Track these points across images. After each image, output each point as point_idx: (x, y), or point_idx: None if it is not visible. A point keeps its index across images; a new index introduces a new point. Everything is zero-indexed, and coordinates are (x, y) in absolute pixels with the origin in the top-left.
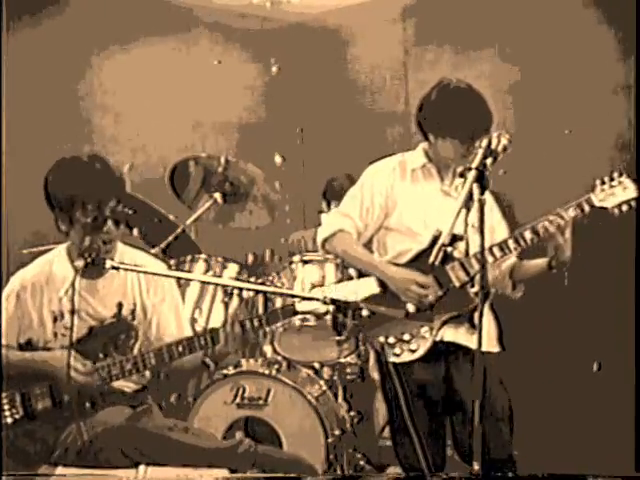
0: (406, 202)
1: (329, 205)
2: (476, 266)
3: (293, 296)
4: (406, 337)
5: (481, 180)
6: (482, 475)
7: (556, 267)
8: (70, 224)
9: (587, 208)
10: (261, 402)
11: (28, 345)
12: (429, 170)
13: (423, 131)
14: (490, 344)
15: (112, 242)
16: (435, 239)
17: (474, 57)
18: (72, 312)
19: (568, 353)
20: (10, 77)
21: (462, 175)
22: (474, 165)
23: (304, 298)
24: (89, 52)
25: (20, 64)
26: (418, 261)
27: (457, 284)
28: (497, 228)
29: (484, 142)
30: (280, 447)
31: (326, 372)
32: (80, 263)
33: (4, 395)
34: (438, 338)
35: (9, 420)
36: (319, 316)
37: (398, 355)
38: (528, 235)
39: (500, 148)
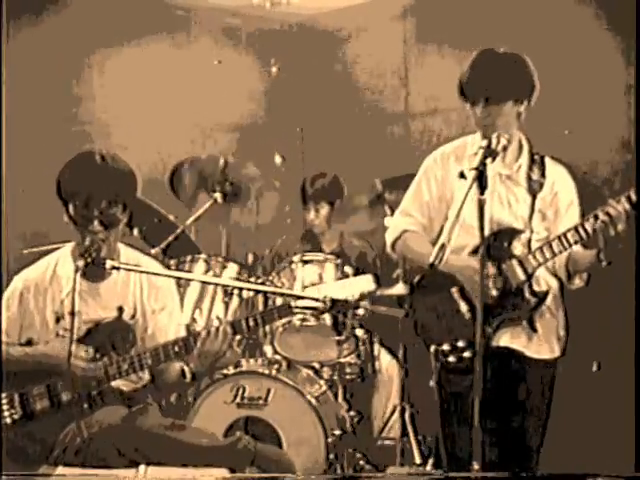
0: (461, 192)
1: (306, 204)
2: (535, 264)
3: (293, 296)
4: (460, 344)
5: (481, 180)
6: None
7: (605, 259)
8: (69, 219)
9: None
10: (261, 402)
11: (29, 345)
12: None
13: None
14: (544, 350)
15: (112, 242)
16: (495, 234)
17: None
18: (72, 313)
19: (567, 352)
20: (10, 77)
21: (462, 175)
22: (474, 165)
23: (304, 298)
24: (89, 52)
25: (20, 64)
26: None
27: (514, 284)
28: (570, 209)
29: (484, 142)
30: (280, 447)
31: (326, 372)
32: (80, 263)
33: (3, 396)
34: (493, 344)
35: (8, 420)
36: (316, 313)
37: (451, 362)
38: (590, 227)
39: (500, 148)
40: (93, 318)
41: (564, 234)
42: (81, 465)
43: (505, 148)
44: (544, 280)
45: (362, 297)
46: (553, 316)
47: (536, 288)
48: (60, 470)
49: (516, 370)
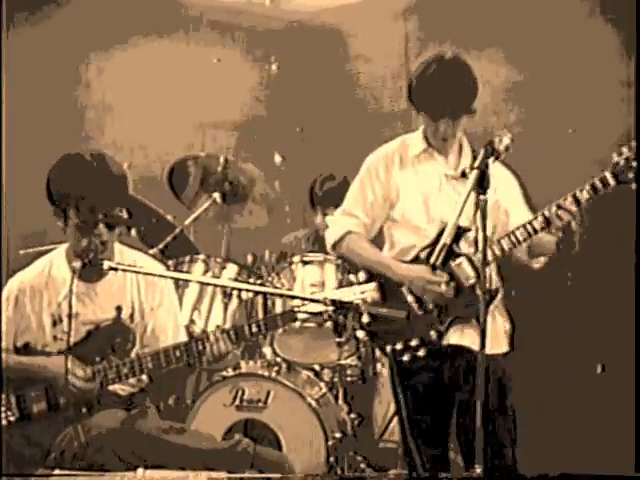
0: (408, 193)
1: (314, 207)
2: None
3: (293, 297)
4: (413, 343)
5: (482, 180)
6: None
7: (563, 251)
8: (65, 222)
9: (601, 187)
10: (261, 404)
11: (25, 348)
12: (431, 154)
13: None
14: (496, 345)
15: (109, 243)
16: (440, 234)
17: (476, 56)
18: (69, 316)
19: (571, 355)
20: (9, 76)
21: (464, 175)
22: (476, 165)
23: (304, 299)
24: (88, 50)
25: (19, 63)
26: (421, 258)
27: (465, 282)
28: (516, 211)
29: (486, 142)
30: (279, 450)
31: (326, 374)
32: (77, 264)
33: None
34: (445, 342)
35: (4, 422)
36: (320, 320)
37: (406, 361)
38: (538, 224)
39: (502, 147)
40: (92, 319)
41: (512, 232)
42: (79, 469)
43: (507, 148)
44: (497, 277)
45: (365, 304)
46: (499, 311)
47: (488, 286)
48: (57, 473)
49: (468, 366)
